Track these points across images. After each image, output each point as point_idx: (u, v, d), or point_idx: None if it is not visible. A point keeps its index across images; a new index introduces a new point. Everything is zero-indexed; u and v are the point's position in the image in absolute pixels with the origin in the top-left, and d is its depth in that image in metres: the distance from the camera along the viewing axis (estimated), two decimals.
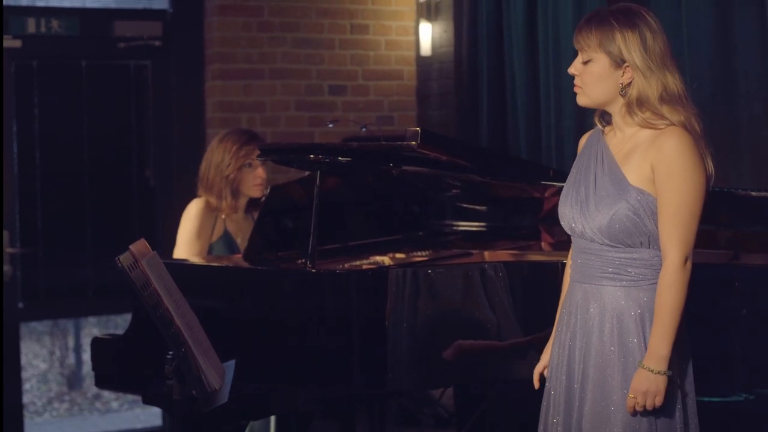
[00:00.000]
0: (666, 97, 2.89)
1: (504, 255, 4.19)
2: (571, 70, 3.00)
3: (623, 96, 2.94)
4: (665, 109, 2.89)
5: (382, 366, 3.49)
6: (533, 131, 5.72)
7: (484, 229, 4.74)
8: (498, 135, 5.94)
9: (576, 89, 3.01)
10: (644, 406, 2.85)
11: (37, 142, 5.89)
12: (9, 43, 5.79)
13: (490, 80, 5.95)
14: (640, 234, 2.90)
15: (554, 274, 3.60)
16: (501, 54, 5.92)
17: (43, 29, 5.86)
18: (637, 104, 2.91)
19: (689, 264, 2.85)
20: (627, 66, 2.90)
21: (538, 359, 3.29)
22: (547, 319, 3.58)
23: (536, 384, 3.23)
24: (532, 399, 3.56)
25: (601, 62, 2.92)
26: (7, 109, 5.78)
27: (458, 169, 3.97)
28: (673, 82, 2.91)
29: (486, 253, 4.19)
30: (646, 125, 2.91)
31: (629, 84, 2.92)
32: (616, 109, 2.98)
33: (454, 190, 4.59)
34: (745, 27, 4.60)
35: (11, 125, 5.81)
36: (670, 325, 2.83)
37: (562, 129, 5.48)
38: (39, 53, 5.90)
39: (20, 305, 5.86)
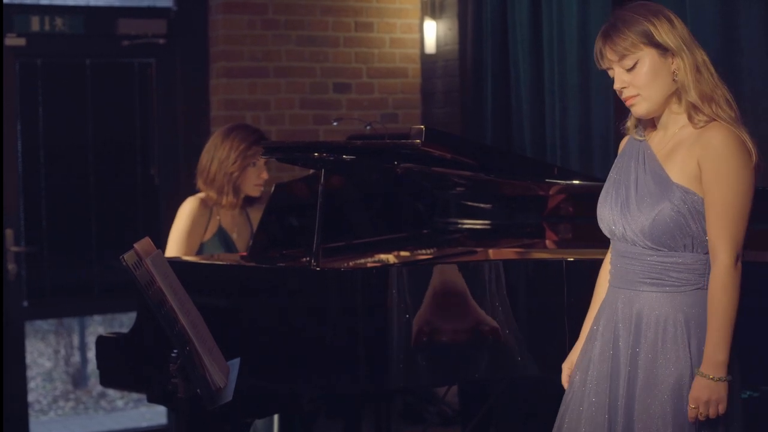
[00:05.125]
0: (700, 77, 2.83)
1: (508, 253, 4.19)
2: (617, 85, 2.89)
3: (676, 82, 2.86)
4: (704, 87, 2.83)
5: (387, 364, 3.49)
6: (538, 129, 5.71)
7: (488, 227, 4.73)
8: (502, 133, 5.94)
9: (630, 101, 2.89)
10: (707, 416, 2.77)
11: (41, 141, 5.89)
12: (13, 41, 5.79)
13: (494, 78, 5.95)
14: (683, 236, 2.83)
15: (558, 272, 3.60)
16: (506, 52, 5.91)
17: (47, 27, 5.86)
18: (683, 88, 2.85)
19: (740, 264, 2.80)
20: (670, 52, 2.84)
21: (542, 357, 3.28)
22: (551, 317, 3.58)
23: (566, 384, 3.12)
24: (536, 397, 3.56)
25: (649, 57, 2.84)
26: (11, 108, 5.78)
27: (463, 166, 3.97)
28: (703, 60, 2.86)
29: (490, 251, 4.18)
30: (694, 110, 2.83)
31: (678, 70, 2.85)
32: (668, 105, 2.90)
33: (458, 188, 4.58)
34: (749, 24, 4.59)
35: (15, 124, 5.81)
36: (726, 329, 2.77)
37: (566, 127, 5.48)
38: (43, 51, 5.90)
39: (25, 304, 5.86)
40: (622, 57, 2.87)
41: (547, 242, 4.52)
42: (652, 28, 2.84)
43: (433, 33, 6.47)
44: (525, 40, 5.72)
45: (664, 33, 2.84)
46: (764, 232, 3.94)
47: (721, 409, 2.78)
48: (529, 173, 4.12)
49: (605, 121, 5.26)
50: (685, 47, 2.85)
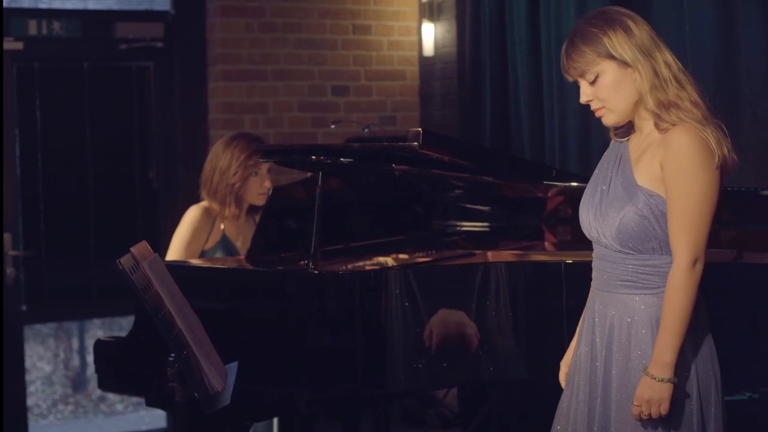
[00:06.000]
0: (658, 84, 2.81)
1: (507, 255, 4.18)
2: (583, 99, 2.91)
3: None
4: (662, 95, 2.81)
5: (385, 367, 3.48)
6: (536, 131, 5.71)
7: (487, 229, 4.73)
8: (501, 135, 5.93)
9: (598, 113, 2.91)
10: (649, 415, 2.77)
11: (39, 145, 5.89)
12: (11, 45, 5.79)
13: (492, 80, 5.94)
14: (650, 239, 2.82)
15: (557, 274, 3.59)
16: (504, 54, 5.91)
17: (44, 31, 5.86)
18: (641, 98, 2.84)
19: (699, 266, 2.77)
20: (628, 63, 2.84)
21: (541, 359, 3.27)
22: (549, 319, 3.57)
23: (563, 383, 3.13)
24: (535, 399, 3.55)
25: (609, 69, 2.84)
26: (9, 112, 5.78)
27: (461, 169, 3.96)
28: (665, 64, 2.83)
29: (489, 254, 4.18)
30: (656, 117, 2.83)
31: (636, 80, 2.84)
32: (637, 111, 2.89)
33: (457, 191, 4.58)
34: (747, 25, 4.59)
35: (13, 127, 5.81)
36: (676, 331, 2.75)
37: (565, 129, 5.48)
38: (41, 55, 5.90)
39: (24, 308, 5.86)
40: (583, 72, 2.88)
41: (546, 244, 4.52)
42: (607, 42, 2.83)
43: (431, 35, 6.46)
44: (523, 42, 5.71)
45: (618, 46, 2.82)
46: (764, 233, 3.94)
47: (663, 409, 2.76)
48: (527, 175, 4.11)
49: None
50: (641, 57, 2.83)
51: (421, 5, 6.52)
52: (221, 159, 4.33)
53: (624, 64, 2.83)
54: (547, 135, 5.62)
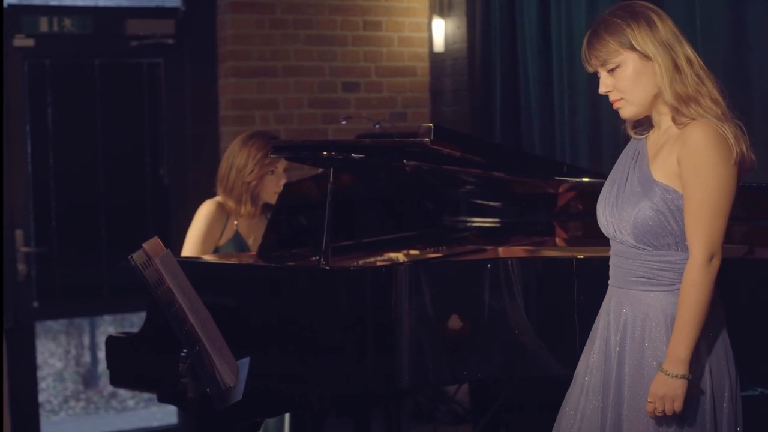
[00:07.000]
0: (678, 78, 2.82)
1: (518, 251, 4.18)
2: (602, 89, 2.91)
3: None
4: (681, 89, 2.81)
5: (397, 363, 3.48)
6: (547, 127, 5.71)
7: (498, 225, 4.73)
8: (511, 131, 5.93)
9: (616, 104, 2.92)
10: (663, 411, 2.76)
11: (50, 141, 5.90)
12: (22, 42, 5.80)
13: (503, 76, 5.94)
14: (665, 235, 2.82)
15: (568, 269, 3.59)
16: (514, 50, 5.91)
17: (55, 28, 5.87)
18: (660, 92, 2.84)
19: (716, 262, 2.77)
20: (649, 56, 2.84)
21: (552, 355, 3.26)
22: (560, 315, 3.57)
23: None
24: (547, 395, 3.55)
25: (631, 60, 2.85)
26: (20, 108, 5.79)
27: (472, 164, 3.96)
28: (686, 59, 2.84)
29: (500, 249, 4.18)
30: (675, 111, 2.83)
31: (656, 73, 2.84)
32: (655, 106, 2.90)
33: (468, 186, 4.58)
34: (758, 22, 4.58)
35: (24, 125, 5.82)
36: (691, 327, 2.74)
37: (575, 124, 5.47)
38: (52, 52, 5.91)
39: (35, 304, 5.87)
40: (604, 62, 2.89)
41: (557, 240, 4.52)
42: (630, 33, 2.84)
43: (441, 31, 6.46)
44: (533, 37, 5.71)
45: (641, 38, 2.83)
46: None
47: (677, 406, 2.76)
48: (538, 171, 4.11)
49: (614, 118, 5.24)
50: (661, 50, 2.83)
51: (432, 1, 6.52)
52: (238, 157, 4.33)
53: (645, 56, 2.84)
54: (558, 131, 5.62)
